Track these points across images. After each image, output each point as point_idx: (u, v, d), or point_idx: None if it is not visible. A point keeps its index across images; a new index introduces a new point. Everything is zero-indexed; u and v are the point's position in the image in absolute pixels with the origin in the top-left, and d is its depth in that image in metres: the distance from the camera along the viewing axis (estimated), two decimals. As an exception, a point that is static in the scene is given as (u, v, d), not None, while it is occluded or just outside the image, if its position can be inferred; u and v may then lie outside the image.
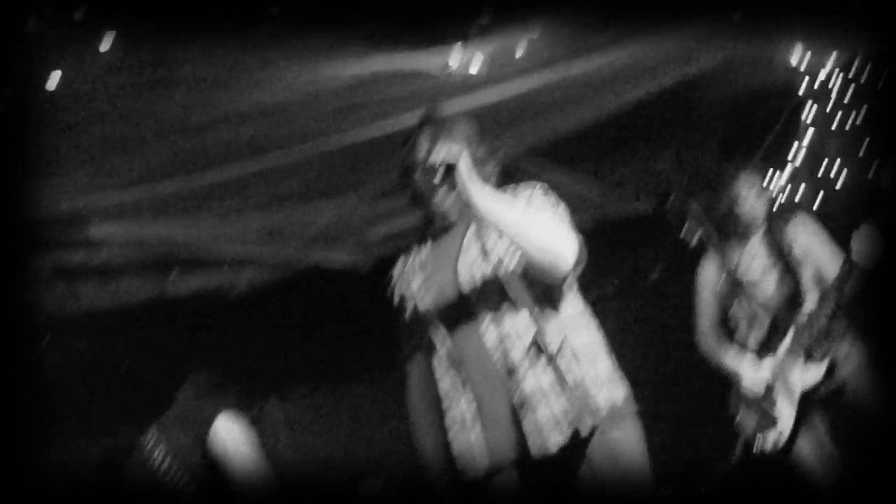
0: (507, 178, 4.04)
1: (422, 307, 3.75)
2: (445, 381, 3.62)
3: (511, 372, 3.52)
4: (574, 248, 3.62)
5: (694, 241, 5.42)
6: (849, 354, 5.50)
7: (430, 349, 3.71)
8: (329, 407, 7.59)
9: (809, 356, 5.43)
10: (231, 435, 5.00)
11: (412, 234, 4.09)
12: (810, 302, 5.49)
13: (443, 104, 4.24)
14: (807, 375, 5.42)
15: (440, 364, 3.65)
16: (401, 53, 5.19)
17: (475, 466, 3.54)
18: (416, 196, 3.84)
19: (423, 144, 3.78)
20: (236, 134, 5.41)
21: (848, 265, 5.30)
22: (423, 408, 3.79)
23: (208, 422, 5.04)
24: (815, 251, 5.56)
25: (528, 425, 3.47)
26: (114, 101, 4.92)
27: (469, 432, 3.55)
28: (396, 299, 3.91)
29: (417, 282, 3.81)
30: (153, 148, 5.34)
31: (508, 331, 3.57)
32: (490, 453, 3.53)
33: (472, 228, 3.78)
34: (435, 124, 3.85)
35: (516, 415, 3.50)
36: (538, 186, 3.89)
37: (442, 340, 3.65)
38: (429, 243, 3.92)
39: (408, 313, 3.82)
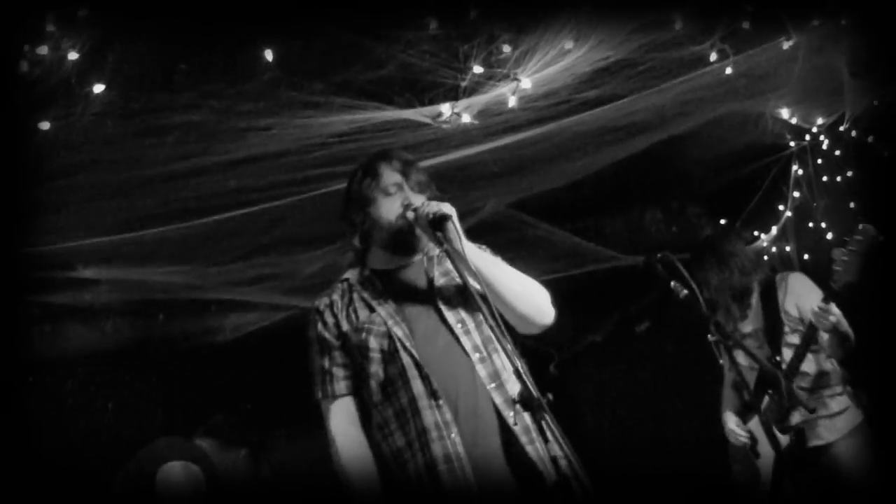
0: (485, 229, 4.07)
1: (383, 343, 3.67)
2: (427, 416, 3.53)
3: (506, 407, 3.51)
4: (550, 300, 3.75)
5: (681, 297, 5.42)
6: (836, 418, 5.51)
7: (393, 383, 3.65)
8: (309, 449, 7.56)
9: (784, 418, 5.45)
10: (174, 483, 5.03)
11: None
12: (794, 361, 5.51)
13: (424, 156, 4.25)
14: (782, 437, 5.43)
15: (419, 400, 3.56)
16: (391, 106, 5.21)
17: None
18: (374, 226, 3.81)
19: (388, 176, 3.79)
20: (225, 182, 5.43)
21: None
22: (360, 444, 3.70)
23: (159, 462, 5.08)
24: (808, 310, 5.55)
25: (533, 455, 3.46)
26: (104, 146, 4.93)
27: (462, 469, 3.50)
28: (329, 334, 3.78)
29: (379, 315, 3.72)
30: (142, 194, 5.35)
31: (501, 367, 3.58)
32: (481, 487, 3.49)
33: (436, 266, 3.80)
34: (398, 158, 3.84)
35: (511, 447, 3.49)
36: (484, 247, 3.90)
37: (421, 375, 3.59)
38: (373, 277, 3.86)
39: (356, 346, 3.72)
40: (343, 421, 3.73)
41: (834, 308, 5.21)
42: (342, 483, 3.67)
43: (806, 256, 7.86)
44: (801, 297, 5.57)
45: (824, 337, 5.42)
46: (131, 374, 7.05)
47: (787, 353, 5.55)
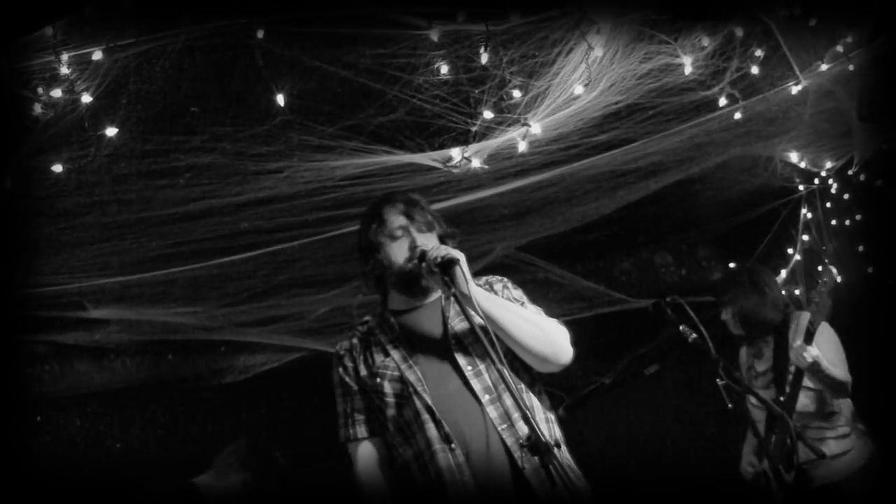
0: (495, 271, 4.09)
1: (396, 388, 3.73)
2: (441, 460, 3.57)
3: (517, 448, 3.53)
4: (569, 338, 3.78)
5: (690, 340, 5.43)
6: (840, 458, 5.50)
7: (409, 426, 3.69)
8: (319, 487, 7.55)
9: (789, 458, 5.45)
10: None
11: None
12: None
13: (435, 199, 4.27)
14: (788, 476, 5.44)
15: (433, 444, 3.60)
16: (402, 150, 5.23)
17: None
18: (387, 271, 3.86)
19: (393, 219, 3.82)
20: (236, 224, 5.45)
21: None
22: (380, 488, 3.76)
23: None
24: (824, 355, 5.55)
25: (543, 495, 3.46)
26: (115, 187, 4.95)
27: None
28: (349, 378, 3.87)
29: (393, 359, 3.77)
30: (153, 234, 5.36)
31: (510, 408, 3.59)
32: None
33: (452, 305, 3.81)
34: (402, 200, 3.89)
35: (523, 487, 3.50)
36: (506, 279, 4.00)
37: (434, 419, 3.63)
38: (391, 319, 3.90)
39: (371, 390, 3.79)
40: (364, 464, 3.81)
41: (812, 349, 5.24)
42: None
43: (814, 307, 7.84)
44: (801, 335, 5.57)
45: (815, 378, 5.45)
46: (140, 414, 7.04)
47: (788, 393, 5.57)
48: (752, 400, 5.66)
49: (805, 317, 5.71)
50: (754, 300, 5.83)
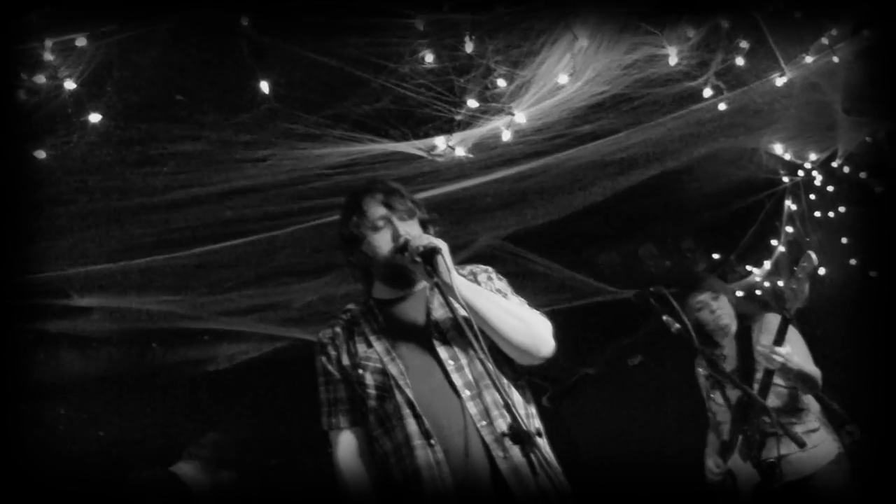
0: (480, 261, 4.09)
1: (378, 380, 3.71)
2: (420, 456, 3.55)
3: (496, 445, 3.51)
4: (552, 331, 3.74)
5: (672, 330, 5.45)
6: (810, 452, 5.53)
7: (389, 419, 3.68)
8: (301, 478, 7.56)
9: (757, 454, 5.48)
10: None
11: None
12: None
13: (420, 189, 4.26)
14: (757, 473, 5.47)
15: (413, 439, 3.58)
16: (387, 138, 5.23)
17: None
18: (371, 262, 3.84)
19: (373, 210, 3.80)
20: (221, 212, 5.43)
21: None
22: (361, 477, 3.74)
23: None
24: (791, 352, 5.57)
25: (519, 495, 3.44)
26: (100, 174, 4.93)
27: None
28: (332, 367, 3.84)
29: (376, 351, 3.75)
30: (137, 222, 5.35)
31: (490, 405, 3.56)
32: None
33: (437, 296, 3.78)
34: (381, 189, 3.84)
35: (500, 486, 3.47)
36: (490, 269, 3.98)
37: (414, 414, 3.61)
38: (375, 308, 3.88)
39: (353, 381, 3.77)
40: (344, 453, 3.79)
41: (781, 349, 5.26)
42: None
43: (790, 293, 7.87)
44: (770, 337, 5.58)
45: (785, 376, 5.47)
46: (125, 402, 7.02)
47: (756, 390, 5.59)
48: (717, 400, 5.70)
49: (771, 318, 5.73)
50: (711, 311, 5.87)
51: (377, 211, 3.77)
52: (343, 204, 3.94)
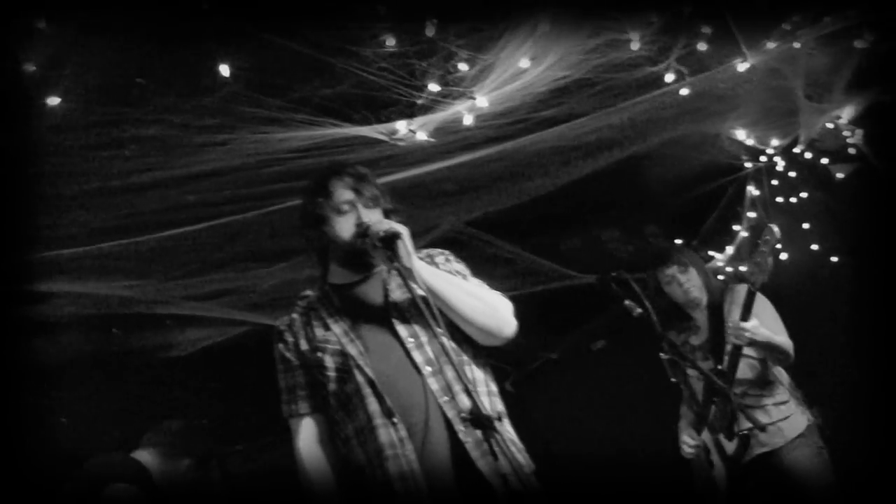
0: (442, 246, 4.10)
1: (338, 362, 3.71)
2: (382, 435, 3.56)
3: (458, 421, 3.52)
4: (513, 311, 3.77)
5: (634, 315, 5.47)
6: (779, 425, 5.57)
7: (350, 400, 3.68)
8: (268, 463, 7.56)
9: (730, 427, 5.52)
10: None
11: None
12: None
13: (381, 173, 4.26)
14: (729, 445, 5.51)
15: (374, 418, 3.59)
16: (348, 122, 5.22)
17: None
18: (331, 244, 3.85)
19: (340, 193, 3.79)
20: (183, 196, 5.41)
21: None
22: (322, 463, 3.75)
23: (101, 483, 5.06)
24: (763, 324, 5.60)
25: (485, 470, 3.46)
26: (60, 158, 4.90)
27: (416, 485, 3.50)
28: (290, 354, 3.84)
29: (334, 333, 3.76)
30: (98, 207, 5.31)
31: (452, 380, 3.58)
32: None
33: (394, 278, 3.80)
34: (350, 173, 3.84)
35: (463, 460, 3.49)
36: (447, 252, 4.02)
37: (375, 393, 3.61)
38: (331, 293, 3.89)
39: (313, 365, 3.77)
40: (305, 439, 3.78)
41: (748, 324, 5.31)
42: (308, 497, 3.74)
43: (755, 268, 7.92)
44: (737, 308, 5.61)
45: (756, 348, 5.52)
46: (87, 389, 6.99)
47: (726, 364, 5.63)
48: (692, 373, 5.73)
49: (741, 288, 5.77)
50: (680, 286, 5.90)
51: (343, 194, 3.77)
52: (309, 183, 3.94)
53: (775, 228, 5.39)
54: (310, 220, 3.85)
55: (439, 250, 4.01)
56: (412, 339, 3.67)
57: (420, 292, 3.51)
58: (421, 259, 3.76)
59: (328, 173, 3.86)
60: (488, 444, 3.29)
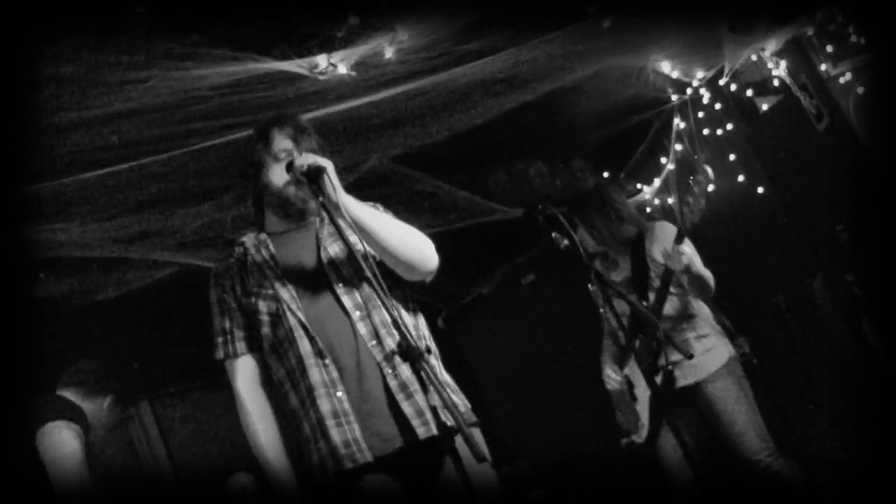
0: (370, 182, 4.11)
1: (271, 306, 3.77)
2: (314, 375, 3.63)
3: (385, 363, 3.62)
4: (433, 247, 3.86)
5: (561, 247, 5.50)
6: (702, 357, 5.65)
7: (282, 344, 3.74)
8: (199, 406, 7.57)
9: (654, 360, 5.60)
10: (55, 445, 4.99)
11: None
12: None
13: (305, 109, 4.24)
14: (655, 377, 5.59)
15: (306, 359, 3.66)
16: (269, 57, 5.18)
17: (359, 457, 3.56)
18: (265, 191, 3.90)
19: (279, 142, 3.85)
20: (105, 136, 5.34)
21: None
22: (262, 403, 3.80)
23: (37, 423, 5.04)
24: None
25: (408, 411, 3.56)
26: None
27: (349, 424, 3.58)
28: (228, 296, 3.89)
29: (268, 278, 3.81)
30: (20, 148, 5.23)
31: (379, 324, 3.67)
32: (372, 442, 3.58)
33: (326, 227, 3.88)
34: (291, 125, 3.90)
35: (395, 403, 3.58)
36: (378, 205, 4.04)
37: (307, 335, 3.68)
38: (267, 240, 3.93)
39: (247, 310, 3.83)
40: (245, 379, 3.84)
41: (685, 248, 5.40)
42: (249, 439, 3.79)
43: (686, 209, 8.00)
44: (665, 242, 5.68)
45: (684, 279, 5.59)
46: (13, 334, 6.92)
47: (654, 299, 5.70)
48: (618, 306, 5.79)
49: (664, 225, 5.84)
50: (604, 218, 5.94)
51: (282, 143, 3.85)
52: (251, 132, 4.02)
53: (709, 170, 5.46)
54: (247, 165, 3.93)
55: (369, 203, 4.02)
56: (342, 284, 3.75)
57: (352, 238, 3.57)
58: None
59: (270, 123, 3.94)
60: (418, 377, 3.34)
